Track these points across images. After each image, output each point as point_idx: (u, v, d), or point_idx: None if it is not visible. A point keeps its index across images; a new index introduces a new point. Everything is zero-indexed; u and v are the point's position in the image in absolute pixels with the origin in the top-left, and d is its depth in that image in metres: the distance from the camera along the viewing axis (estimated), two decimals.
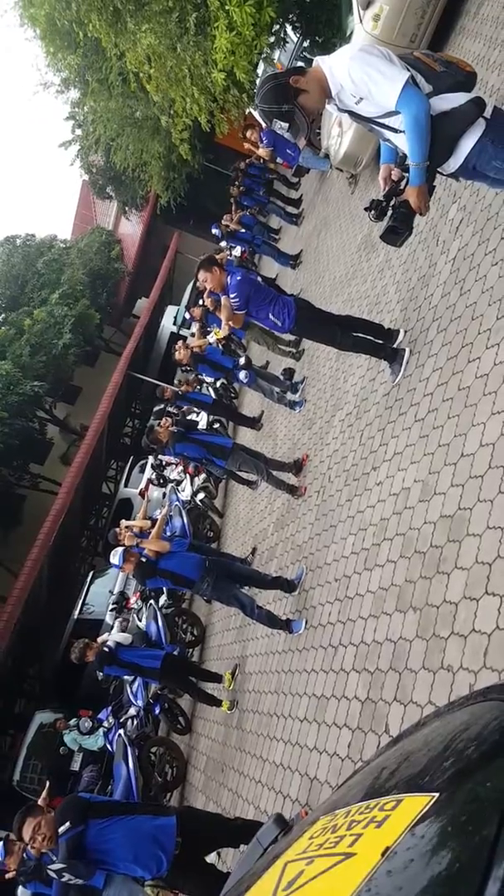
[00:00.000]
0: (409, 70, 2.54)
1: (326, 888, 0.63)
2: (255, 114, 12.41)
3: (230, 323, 5.30)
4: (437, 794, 0.65)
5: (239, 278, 5.05)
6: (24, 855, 4.05)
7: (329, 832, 0.73)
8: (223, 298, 5.21)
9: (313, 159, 10.01)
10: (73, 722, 9.20)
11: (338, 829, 0.72)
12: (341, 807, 0.79)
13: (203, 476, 9.96)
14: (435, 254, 4.70)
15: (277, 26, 9.42)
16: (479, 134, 2.54)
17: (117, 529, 7.55)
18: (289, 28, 9.99)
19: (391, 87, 2.50)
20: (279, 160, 11.30)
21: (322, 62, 2.67)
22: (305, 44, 10.00)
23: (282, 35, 9.83)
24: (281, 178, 13.12)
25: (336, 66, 2.61)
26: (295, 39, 10.13)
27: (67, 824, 3.50)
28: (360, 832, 0.68)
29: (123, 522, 8.05)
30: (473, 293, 3.83)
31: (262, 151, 10.67)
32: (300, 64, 9.23)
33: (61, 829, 3.49)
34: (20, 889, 4.91)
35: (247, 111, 11.30)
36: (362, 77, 2.53)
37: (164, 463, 12.05)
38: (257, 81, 9.91)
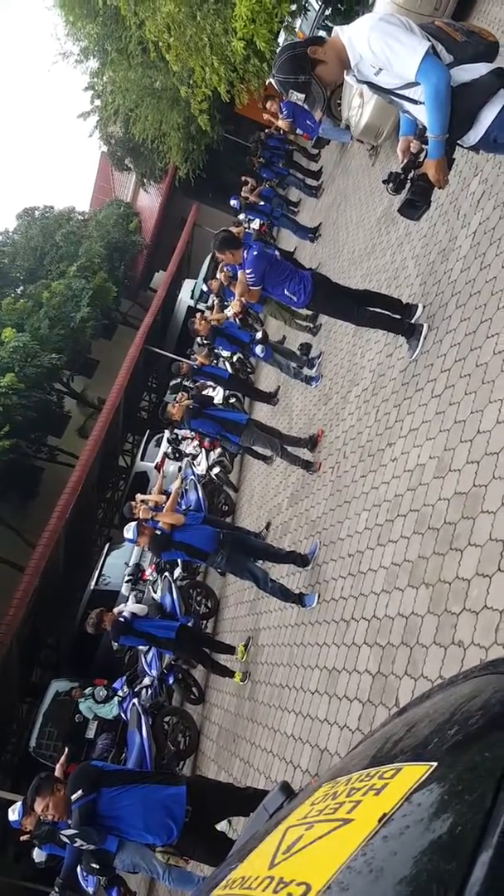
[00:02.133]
0: (429, 40, 2.46)
1: (323, 852, 0.64)
2: (274, 81, 12.16)
3: (244, 298, 5.24)
4: (435, 764, 0.65)
5: (255, 253, 5.00)
6: (40, 818, 4.18)
7: (330, 799, 0.74)
8: (239, 273, 5.15)
9: (333, 130, 9.81)
10: (88, 691, 9.40)
11: (338, 795, 0.73)
12: (344, 775, 0.80)
13: (218, 451, 9.98)
14: (455, 227, 4.61)
15: None
16: (501, 105, 2.47)
17: (132, 503, 7.61)
18: None
19: (411, 57, 2.43)
20: (299, 131, 11.10)
21: (341, 32, 2.60)
22: (327, 12, 9.73)
23: (303, 3, 9.58)
24: (301, 149, 12.89)
25: (355, 37, 2.54)
26: (317, 7, 9.85)
27: (80, 792, 3.58)
28: (358, 799, 0.68)
29: (139, 496, 8.11)
30: (493, 268, 3.76)
31: (282, 123, 10.48)
32: (321, 33, 9.00)
33: (74, 797, 3.57)
34: (35, 850, 5.07)
35: (267, 81, 11.10)
36: (382, 47, 2.46)
37: (179, 437, 12.09)
38: (277, 50, 9.71)
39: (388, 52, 2.47)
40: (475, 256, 4.08)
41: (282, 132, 11.56)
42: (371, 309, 4.69)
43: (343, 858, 0.59)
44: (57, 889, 4.62)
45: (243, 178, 11.55)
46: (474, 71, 2.50)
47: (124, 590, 11.19)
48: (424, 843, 0.57)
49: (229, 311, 9.43)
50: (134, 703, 7.12)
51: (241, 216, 11.77)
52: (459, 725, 0.72)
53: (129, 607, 6.54)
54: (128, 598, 10.17)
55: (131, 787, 3.72)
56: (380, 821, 0.61)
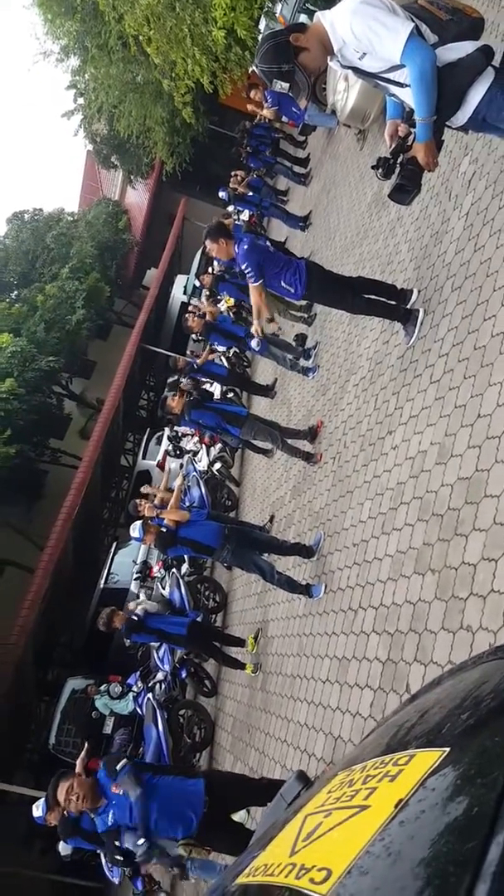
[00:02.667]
0: (413, 21, 2.43)
1: (342, 838, 0.66)
2: (257, 71, 12.09)
3: (261, 308, 5.15)
4: (448, 749, 0.67)
5: (246, 247, 4.96)
6: (65, 813, 4.23)
7: (346, 786, 0.76)
8: (251, 287, 5.04)
9: (319, 116, 9.76)
10: (103, 687, 9.46)
11: (354, 783, 0.75)
12: (359, 763, 0.82)
13: (219, 446, 10.00)
14: (447, 209, 4.60)
15: None
16: (488, 84, 2.45)
17: (137, 501, 7.64)
18: None
19: (395, 39, 2.40)
20: (284, 119, 11.04)
21: (323, 17, 2.58)
22: None
23: None
24: (287, 137, 12.82)
25: (337, 21, 2.52)
26: None
27: (124, 761, 3.81)
28: (374, 786, 0.70)
29: (144, 488, 8.12)
30: (488, 249, 3.75)
31: (268, 111, 10.42)
32: (303, 17, 8.93)
33: (119, 766, 3.79)
34: (61, 844, 5.12)
35: (250, 70, 11.03)
36: (364, 30, 2.43)
37: (180, 434, 12.10)
38: (259, 38, 9.65)
39: (372, 35, 2.43)
40: (469, 238, 4.08)
41: (267, 121, 11.50)
42: (366, 296, 4.68)
43: (362, 844, 0.61)
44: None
45: (233, 174, 11.49)
46: (460, 50, 2.47)
47: (133, 587, 11.25)
48: (440, 826, 0.58)
49: (223, 306, 9.44)
50: (149, 698, 7.18)
51: (230, 208, 11.72)
52: (470, 711, 0.74)
53: (141, 605, 6.57)
54: (138, 594, 10.23)
55: (152, 779, 3.82)
56: (396, 806, 0.63)
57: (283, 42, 2.63)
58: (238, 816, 4.37)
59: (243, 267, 4.98)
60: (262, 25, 9.82)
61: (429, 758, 0.68)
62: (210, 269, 12.02)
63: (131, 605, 6.64)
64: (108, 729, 10.11)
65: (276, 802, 1.11)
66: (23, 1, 14.35)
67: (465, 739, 0.69)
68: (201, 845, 3.71)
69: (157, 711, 6.77)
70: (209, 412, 7.03)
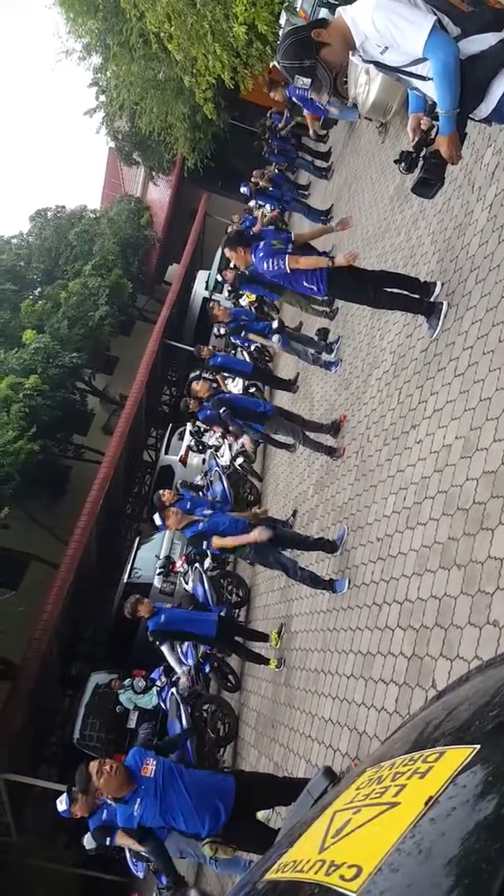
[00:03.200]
0: (435, 14, 2.40)
1: (372, 835, 0.66)
2: (279, 67, 12.03)
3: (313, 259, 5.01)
4: (478, 746, 0.67)
5: (262, 254, 4.93)
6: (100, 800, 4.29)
7: (375, 783, 0.76)
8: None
9: (341, 111, 9.68)
10: (127, 682, 9.55)
11: (383, 780, 0.75)
12: (387, 759, 0.81)
13: (241, 441, 10.00)
14: (471, 201, 4.54)
15: None
16: None
17: (161, 492, 7.66)
18: None
19: (417, 33, 2.38)
20: (306, 113, 10.98)
21: (344, 13, 2.55)
22: None
23: None
24: (308, 130, 12.74)
25: (359, 16, 2.49)
26: None
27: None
28: (404, 783, 0.70)
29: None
30: None
31: (309, 119, 10.37)
32: (324, 11, 8.86)
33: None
34: (86, 837, 5.19)
35: (271, 65, 10.98)
36: (387, 25, 2.41)
37: (202, 429, 12.13)
38: (280, 33, 9.60)
39: (394, 29, 2.41)
40: (493, 230, 4.02)
41: (289, 119, 11.46)
42: (388, 290, 4.64)
43: (392, 841, 0.61)
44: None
45: (253, 175, 11.47)
46: (483, 42, 2.43)
47: (156, 582, 11.32)
48: (471, 823, 0.58)
49: (244, 301, 9.43)
50: (172, 693, 7.22)
51: (252, 203, 11.70)
52: (500, 707, 0.73)
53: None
54: (160, 588, 10.33)
55: (182, 771, 3.85)
56: (426, 803, 0.63)
57: (305, 38, 2.61)
58: (261, 815, 4.39)
59: (264, 272, 4.98)
60: (282, 20, 9.76)
61: (459, 755, 0.67)
62: (233, 266, 12.01)
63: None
64: (132, 723, 10.20)
65: (302, 798, 1.11)
66: (45, 1, 14.36)
67: (496, 736, 0.69)
68: (227, 843, 3.72)
69: (181, 706, 6.82)
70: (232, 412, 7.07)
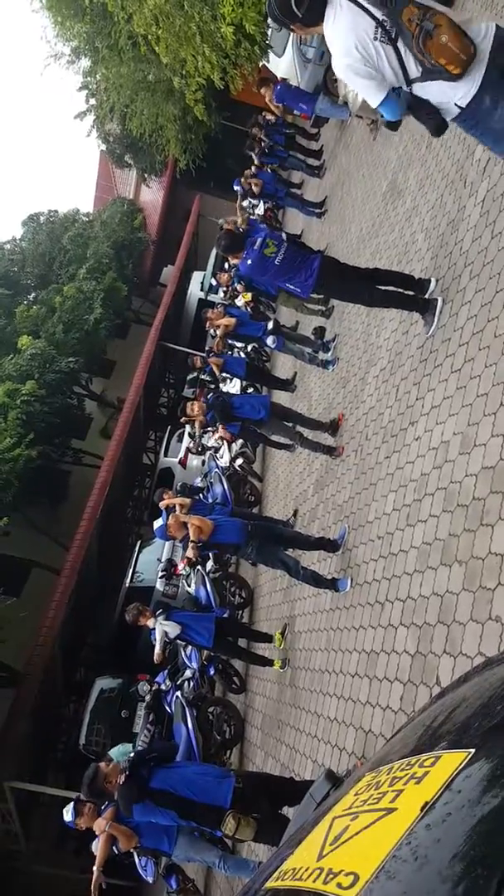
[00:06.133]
0: (386, 87, 2.72)
1: (369, 842, 0.66)
2: (269, 66, 12.02)
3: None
4: (473, 750, 0.66)
5: (249, 263, 4.97)
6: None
7: (373, 788, 0.76)
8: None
9: (331, 108, 9.69)
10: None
11: (381, 785, 0.75)
12: (386, 763, 0.81)
13: (241, 441, 9.98)
14: (463, 196, 4.54)
15: None
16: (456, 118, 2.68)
17: (162, 489, 7.63)
18: None
19: (372, 100, 2.81)
20: (296, 113, 11.00)
21: (325, 28, 2.75)
22: None
23: None
24: (300, 130, 12.75)
25: (331, 46, 2.76)
26: None
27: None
28: (400, 788, 0.70)
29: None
30: None
31: (276, 109, 10.45)
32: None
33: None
34: (94, 843, 5.18)
35: (260, 64, 10.98)
36: (348, 79, 2.80)
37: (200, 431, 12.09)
38: (268, 33, 9.59)
39: (353, 85, 2.83)
40: (485, 225, 4.02)
41: (279, 118, 11.49)
42: (383, 288, 4.64)
43: (388, 848, 0.61)
44: None
45: (248, 172, 11.48)
46: (434, 94, 2.66)
47: (159, 585, 11.30)
48: (466, 828, 0.58)
49: (240, 301, 9.42)
50: (177, 696, 7.21)
51: (246, 202, 11.68)
52: (494, 711, 0.73)
53: (160, 627, 6.31)
54: (163, 591, 10.29)
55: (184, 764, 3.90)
56: (422, 809, 0.63)
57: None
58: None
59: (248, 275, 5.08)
60: (269, 20, 9.75)
61: (455, 759, 0.67)
62: (226, 267, 12.01)
63: (156, 634, 6.30)
64: (137, 728, 10.18)
65: (305, 802, 1.11)
66: (31, 5, 14.32)
67: (491, 740, 0.68)
68: (247, 813, 3.70)
69: (186, 709, 6.80)
70: (234, 422, 7.09)
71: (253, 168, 11.45)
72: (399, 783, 0.71)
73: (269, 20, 3.07)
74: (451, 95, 2.56)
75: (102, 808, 4.52)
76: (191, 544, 5.46)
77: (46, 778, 12.56)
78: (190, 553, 5.38)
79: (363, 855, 0.63)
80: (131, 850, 4.47)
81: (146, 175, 22.67)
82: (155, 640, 5.97)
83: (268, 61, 11.64)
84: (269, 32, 9.61)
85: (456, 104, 2.56)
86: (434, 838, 0.60)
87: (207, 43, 9.31)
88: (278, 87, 9.96)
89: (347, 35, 2.65)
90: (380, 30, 2.60)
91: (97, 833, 4.40)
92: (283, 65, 11.52)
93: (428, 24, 2.49)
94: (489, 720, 0.72)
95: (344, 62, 2.71)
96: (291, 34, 3.07)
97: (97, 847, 4.77)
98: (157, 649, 6.04)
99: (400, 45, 2.59)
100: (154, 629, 5.97)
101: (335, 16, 2.67)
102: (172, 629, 5.88)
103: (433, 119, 2.71)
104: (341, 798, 0.84)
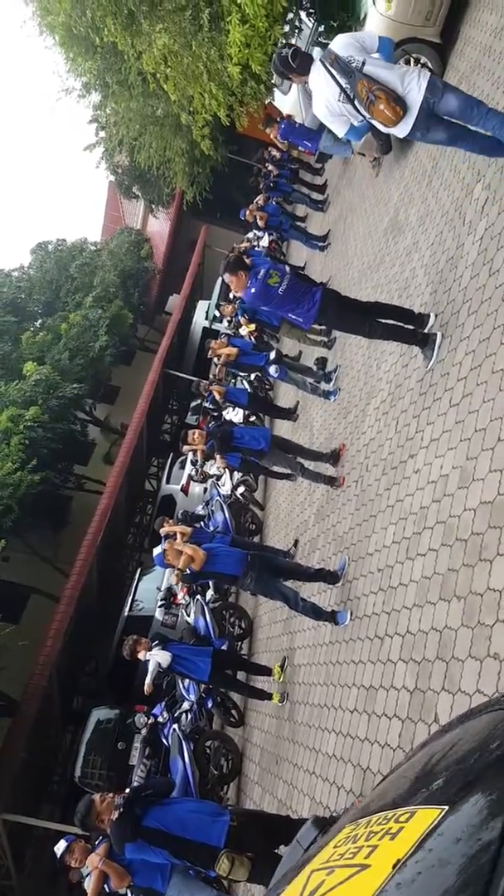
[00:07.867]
0: (348, 124, 3.95)
1: None
2: (275, 104, 12.33)
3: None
4: (446, 808, 0.66)
5: (253, 291, 5.00)
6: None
7: (350, 842, 0.75)
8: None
9: (334, 146, 9.89)
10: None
11: (358, 839, 0.74)
12: (368, 814, 0.81)
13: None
14: (462, 234, 4.62)
15: (291, 14, 9.30)
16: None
17: (163, 518, 7.61)
18: (303, 14, 9.86)
19: (338, 131, 4.09)
20: (301, 149, 11.24)
21: (310, 80, 3.97)
22: (321, 29, 9.86)
23: (296, 23, 9.71)
24: (304, 165, 13.02)
25: (313, 93, 3.97)
26: (310, 25, 9.99)
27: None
28: (375, 843, 0.70)
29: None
30: (503, 273, 3.75)
31: (281, 145, 10.74)
32: (316, 50, 9.09)
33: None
34: (86, 881, 5.07)
35: (266, 102, 11.24)
36: (322, 118, 4.08)
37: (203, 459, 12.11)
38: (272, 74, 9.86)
39: (325, 122, 4.12)
40: (483, 262, 4.08)
41: (285, 153, 11.75)
42: (383, 321, 4.69)
43: None
44: None
45: (252, 206, 11.70)
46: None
47: (158, 614, 11.21)
48: (434, 889, 0.58)
49: (244, 331, 9.51)
50: (174, 729, 7.10)
51: (251, 234, 11.87)
52: (470, 765, 0.73)
53: (153, 658, 6.24)
54: (162, 621, 10.19)
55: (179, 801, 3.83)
56: (394, 867, 0.63)
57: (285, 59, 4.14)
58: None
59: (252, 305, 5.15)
60: (274, 73, 10.03)
61: (428, 815, 0.67)
62: (231, 298, 12.16)
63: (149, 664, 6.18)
64: (133, 760, 10.01)
65: (292, 848, 1.10)
66: (44, 42, 14.71)
67: (463, 796, 0.68)
68: (242, 852, 3.62)
69: (183, 743, 6.70)
70: (235, 453, 7.08)
71: (259, 201, 11.67)
72: (375, 838, 0.71)
73: (274, 73, 4.06)
74: (393, 131, 3.73)
75: (96, 843, 4.45)
76: (176, 572, 5.45)
77: (40, 810, 12.31)
78: (173, 579, 5.39)
79: None
80: (125, 889, 4.38)
81: (153, 206, 23.05)
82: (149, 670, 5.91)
83: (273, 99, 11.96)
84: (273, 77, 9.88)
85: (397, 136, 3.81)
86: None
87: (214, 81, 9.53)
88: (283, 125, 10.18)
89: (321, 91, 3.84)
90: (342, 94, 3.72)
91: (90, 868, 4.32)
92: (288, 102, 11.88)
93: (372, 95, 3.55)
94: (464, 776, 0.72)
95: (320, 107, 3.97)
96: None
97: (89, 884, 4.67)
98: (148, 679, 5.97)
99: (356, 102, 3.69)
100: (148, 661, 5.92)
101: (315, 73, 3.83)
102: (164, 659, 5.81)
103: (385, 144, 4.24)
104: (321, 849, 0.83)
